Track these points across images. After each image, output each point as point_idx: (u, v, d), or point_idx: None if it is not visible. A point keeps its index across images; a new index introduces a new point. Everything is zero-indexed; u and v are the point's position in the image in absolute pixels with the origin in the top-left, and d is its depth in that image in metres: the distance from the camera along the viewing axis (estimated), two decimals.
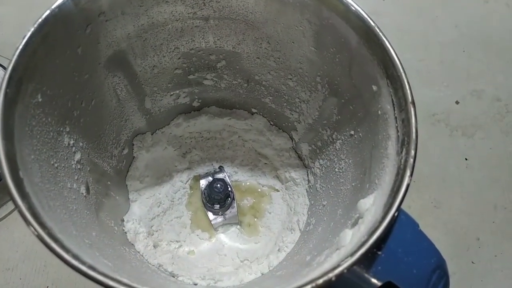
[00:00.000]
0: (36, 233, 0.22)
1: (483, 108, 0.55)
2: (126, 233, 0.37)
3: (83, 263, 0.21)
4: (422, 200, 0.51)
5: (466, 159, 0.53)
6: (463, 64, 0.58)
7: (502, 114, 0.56)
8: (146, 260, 0.37)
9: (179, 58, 0.37)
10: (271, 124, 0.45)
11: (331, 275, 0.21)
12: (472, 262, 0.48)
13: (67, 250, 0.22)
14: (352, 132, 0.33)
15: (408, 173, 0.24)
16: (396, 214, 0.23)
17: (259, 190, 0.44)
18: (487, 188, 0.51)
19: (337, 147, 0.36)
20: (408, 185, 0.24)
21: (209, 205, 0.41)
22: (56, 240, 0.22)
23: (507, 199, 0.51)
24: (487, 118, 0.55)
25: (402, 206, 0.53)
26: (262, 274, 0.37)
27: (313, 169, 0.41)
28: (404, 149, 0.25)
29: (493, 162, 0.53)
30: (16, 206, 0.22)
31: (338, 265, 0.22)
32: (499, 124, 0.55)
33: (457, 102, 0.56)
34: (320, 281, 0.21)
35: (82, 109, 0.32)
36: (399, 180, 0.24)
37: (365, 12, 0.28)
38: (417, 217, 0.49)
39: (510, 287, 0.48)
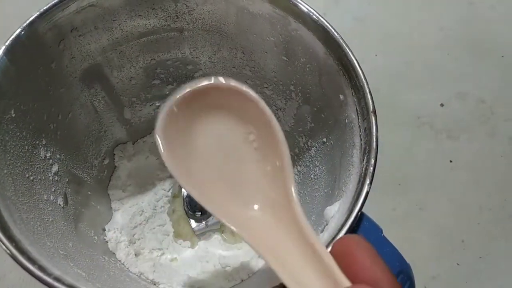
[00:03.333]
0: (3, 246, 0.22)
1: (468, 111, 0.56)
2: (107, 242, 0.38)
3: (49, 274, 0.22)
4: (407, 202, 0.51)
5: (451, 161, 0.53)
6: (447, 66, 0.58)
7: (487, 116, 0.56)
8: (127, 268, 0.37)
9: (156, 69, 0.38)
10: None
11: None
12: (457, 264, 0.48)
13: (34, 262, 0.22)
14: (325, 140, 0.34)
15: (367, 181, 0.24)
16: (356, 220, 0.24)
17: None
18: (472, 190, 0.52)
19: (312, 154, 0.36)
20: (367, 193, 0.24)
21: (191, 212, 0.42)
22: (23, 252, 0.23)
23: (491, 201, 0.51)
24: (472, 121, 0.55)
25: (387, 209, 0.53)
26: (242, 280, 0.38)
27: None
28: (365, 158, 0.25)
29: (478, 164, 0.53)
30: None
31: None
32: (484, 126, 0.55)
33: (442, 105, 0.56)
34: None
35: (58, 122, 0.33)
36: (359, 187, 0.25)
37: (329, 24, 0.29)
38: (402, 220, 0.51)
39: None
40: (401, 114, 0.56)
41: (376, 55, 0.59)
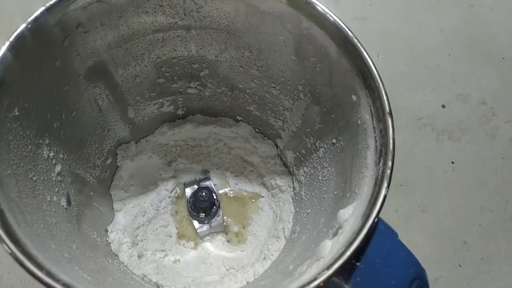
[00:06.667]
0: (9, 250, 0.21)
1: (469, 112, 0.56)
2: (109, 243, 0.37)
3: (58, 280, 0.21)
4: (409, 204, 0.51)
5: (452, 162, 0.53)
6: (448, 68, 0.58)
7: (488, 118, 0.56)
8: (130, 271, 0.37)
9: (161, 67, 0.37)
10: (256, 131, 0.45)
11: None
12: (459, 265, 0.49)
13: (41, 268, 0.21)
14: (334, 141, 0.33)
15: (385, 184, 0.24)
16: (373, 225, 0.23)
17: (245, 197, 0.44)
18: (474, 191, 0.52)
19: (320, 155, 0.36)
20: (385, 196, 0.24)
21: (195, 213, 0.41)
22: (30, 257, 0.22)
23: (493, 202, 0.51)
24: (473, 122, 0.55)
25: (390, 210, 0.53)
26: (248, 282, 0.37)
27: (298, 176, 0.41)
28: (382, 160, 0.25)
29: (479, 165, 0.53)
30: None
31: (315, 278, 0.22)
32: (484, 127, 0.55)
33: (443, 106, 0.56)
34: None
35: (62, 120, 0.32)
36: (376, 191, 0.24)
37: (343, 23, 0.28)
38: (404, 221, 0.50)
39: None
40: (403, 115, 0.56)
41: (378, 56, 0.59)
